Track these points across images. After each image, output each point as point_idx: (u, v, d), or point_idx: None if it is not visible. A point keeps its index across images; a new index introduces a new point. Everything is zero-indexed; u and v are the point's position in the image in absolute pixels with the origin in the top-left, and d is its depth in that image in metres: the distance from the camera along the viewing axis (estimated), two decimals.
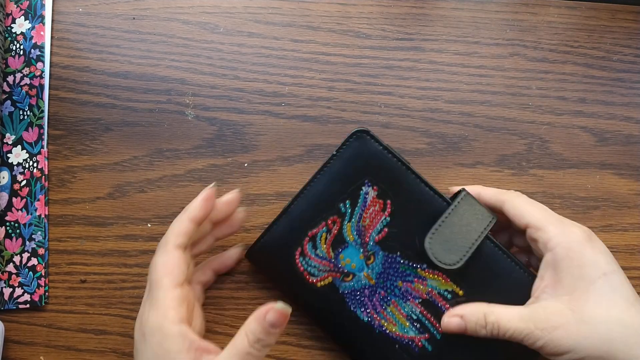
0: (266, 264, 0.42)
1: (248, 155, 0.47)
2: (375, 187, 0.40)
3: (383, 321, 0.40)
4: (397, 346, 0.39)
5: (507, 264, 0.39)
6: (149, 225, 0.46)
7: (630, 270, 0.46)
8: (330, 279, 0.40)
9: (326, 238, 0.40)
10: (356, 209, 0.40)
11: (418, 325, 0.40)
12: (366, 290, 0.40)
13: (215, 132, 0.47)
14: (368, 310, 0.40)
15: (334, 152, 0.41)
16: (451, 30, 0.49)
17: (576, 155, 0.47)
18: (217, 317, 0.45)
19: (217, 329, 0.45)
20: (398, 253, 0.40)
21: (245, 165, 0.47)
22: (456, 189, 0.41)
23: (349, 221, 0.40)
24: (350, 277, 0.40)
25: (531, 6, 0.49)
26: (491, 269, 0.39)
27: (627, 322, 0.33)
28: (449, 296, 0.39)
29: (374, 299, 0.40)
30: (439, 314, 0.39)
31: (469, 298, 0.39)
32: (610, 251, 0.46)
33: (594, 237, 0.37)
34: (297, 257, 0.40)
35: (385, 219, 0.40)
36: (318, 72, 0.48)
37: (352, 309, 0.40)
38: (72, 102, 0.48)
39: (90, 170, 0.47)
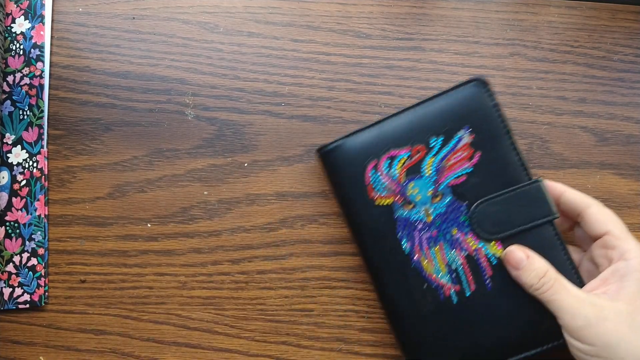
0: (335, 164, 0.42)
1: (248, 155, 0.47)
2: (472, 135, 0.41)
3: (423, 258, 0.40)
4: (425, 286, 0.40)
5: (561, 257, 0.40)
6: (149, 225, 0.46)
7: None
8: (391, 200, 0.41)
9: (404, 162, 0.41)
10: (445, 147, 0.41)
11: (454, 275, 0.40)
12: (419, 224, 0.40)
13: (215, 132, 0.47)
14: (413, 243, 0.40)
15: (448, 89, 0.41)
16: (451, 30, 0.49)
17: (576, 155, 0.47)
18: (217, 317, 0.45)
19: (217, 329, 0.45)
20: (465, 203, 0.40)
21: (245, 165, 0.47)
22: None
23: (433, 156, 0.41)
24: (411, 206, 0.41)
25: (531, 6, 0.49)
26: (545, 255, 0.39)
27: None
28: (494, 261, 0.40)
29: (423, 236, 0.40)
30: (477, 273, 0.40)
31: (509, 273, 0.39)
32: None
33: None
34: (369, 168, 0.41)
35: (467, 168, 0.41)
36: (318, 72, 0.48)
37: (398, 235, 0.40)
38: (72, 102, 0.47)
39: (90, 170, 0.47)
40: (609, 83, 0.48)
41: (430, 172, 0.41)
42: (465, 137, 0.41)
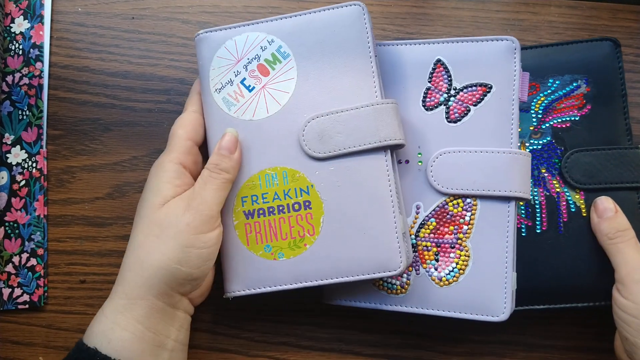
0: None
1: None
2: (588, 88, 0.42)
3: None
4: None
5: (637, 223, 0.40)
6: None
7: None
8: None
9: None
10: (560, 91, 0.42)
11: (530, 210, 0.41)
12: None
13: None
14: None
15: (581, 39, 0.43)
16: (452, 29, 0.49)
17: None
18: (216, 317, 0.45)
19: (217, 329, 0.45)
20: (562, 148, 0.42)
21: None
22: None
23: (546, 95, 0.42)
24: None
25: (532, 5, 0.49)
26: None
27: None
28: (573, 209, 0.41)
29: None
30: (554, 214, 0.41)
31: (584, 223, 0.41)
32: None
33: None
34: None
35: (575, 116, 0.42)
36: None
37: None
38: (71, 102, 0.47)
39: (90, 171, 0.46)
40: None
41: (538, 109, 0.42)
42: (582, 87, 0.42)
